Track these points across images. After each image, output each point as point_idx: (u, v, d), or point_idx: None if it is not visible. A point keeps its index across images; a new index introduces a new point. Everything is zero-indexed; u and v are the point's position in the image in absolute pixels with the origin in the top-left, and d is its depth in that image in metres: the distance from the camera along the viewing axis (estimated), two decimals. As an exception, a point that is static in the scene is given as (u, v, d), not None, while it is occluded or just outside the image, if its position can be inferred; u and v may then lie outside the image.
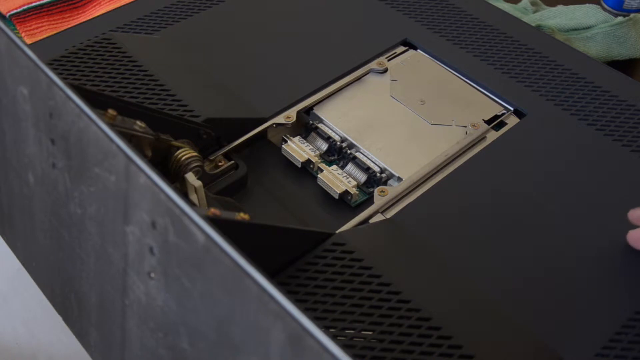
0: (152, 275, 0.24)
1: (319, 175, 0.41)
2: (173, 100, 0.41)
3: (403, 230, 0.37)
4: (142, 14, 0.51)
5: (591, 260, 0.37)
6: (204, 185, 0.36)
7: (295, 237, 0.34)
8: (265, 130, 0.43)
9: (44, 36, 0.57)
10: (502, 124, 0.45)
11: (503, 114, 0.45)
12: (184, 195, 0.33)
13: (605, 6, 0.66)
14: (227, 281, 0.21)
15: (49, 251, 0.32)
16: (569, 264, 0.36)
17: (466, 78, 0.47)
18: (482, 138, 0.43)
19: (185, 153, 0.37)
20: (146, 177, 0.23)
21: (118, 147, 0.24)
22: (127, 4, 0.52)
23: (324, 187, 0.40)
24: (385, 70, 0.47)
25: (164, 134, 0.36)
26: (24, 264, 0.36)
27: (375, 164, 0.41)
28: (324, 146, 0.43)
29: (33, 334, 0.41)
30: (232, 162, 0.41)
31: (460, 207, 0.39)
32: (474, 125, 0.44)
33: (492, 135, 0.43)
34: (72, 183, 0.27)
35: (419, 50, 0.49)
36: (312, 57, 0.48)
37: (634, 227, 0.38)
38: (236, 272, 0.20)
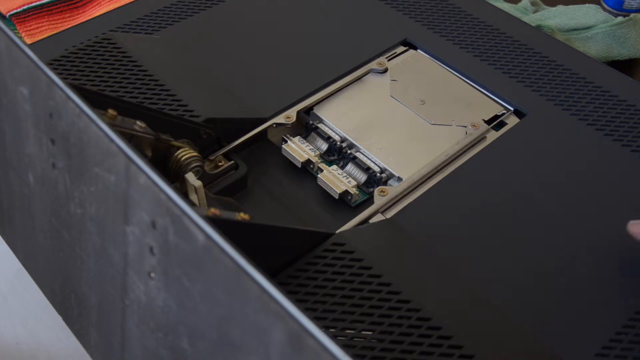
0: (152, 275, 0.24)
1: (319, 175, 0.41)
2: (173, 100, 0.41)
3: (403, 230, 0.37)
4: (142, 14, 0.51)
5: (591, 260, 0.37)
6: (204, 185, 0.36)
7: (295, 237, 0.34)
8: (265, 130, 0.43)
9: (44, 36, 0.57)
10: (502, 124, 0.45)
11: (503, 114, 0.45)
12: (184, 195, 0.33)
13: (605, 6, 0.66)
14: (227, 281, 0.21)
15: (49, 251, 0.32)
16: (569, 263, 0.36)
17: (466, 78, 0.47)
18: (482, 138, 0.43)
19: (185, 153, 0.37)
20: (146, 177, 0.23)
21: (118, 147, 0.24)
22: (127, 4, 0.52)
23: (324, 187, 0.40)
24: (385, 70, 0.47)
25: (164, 134, 0.36)
26: (24, 264, 0.36)
27: (375, 164, 0.41)
28: (324, 146, 0.43)
29: (33, 334, 0.41)
30: (232, 162, 0.41)
31: (461, 207, 0.39)
32: (474, 125, 0.44)
33: (492, 135, 0.43)
34: (72, 183, 0.27)
35: (419, 50, 0.49)
36: (312, 57, 0.48)
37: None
38: (236, 272, 0.20)
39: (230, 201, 0.38)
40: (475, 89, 0.46)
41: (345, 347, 0.21)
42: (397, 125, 0.44)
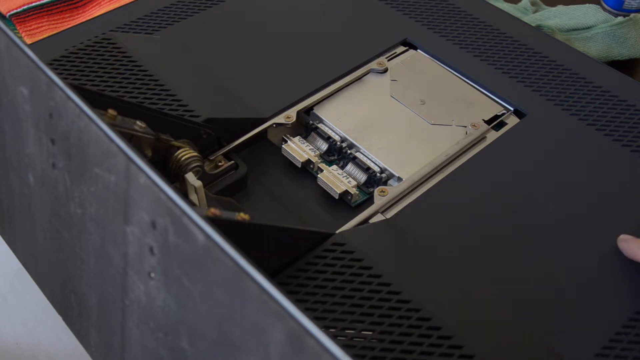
0: (152, 275, 0.24)
1: (319, 175, 0.41)
2: (173, 100, 0.41)
3: (403, 230, 0.37)
4: (142, 14, 0.51)
5: (591, 260, 0.37)
6: (204, 185, 0.36)
7: (295, 237, 0.34)
8: (265, 130, 0.43)
9: (44, 36, 0.57)
10: (502, 124, 0.45)
11: (503, 114, 0.45)
12: (184, 195, 0.33)
13: (605, 6, 0.66)
14: (227, 281, 0.21)
15: (49, 251, 0.32)
16: (569, 264, 0.36)
17: (466, 78, 0.47)
18: (482, 138, 0.43)
19: (185, 153, 0.37)
20: (146, 177, 0.23)
21: (118, 147, 0.24)
22: (127, 4, 0.52)
23: (324, 187, 0.40)
24: (385, 70, 0.47)
25: (164, 134, 0.36)
26: (24, 264, 0.36)
27: (376, 164, 0.41)
28: (324, 146, 0.43)
29: (33, 334, 0.41)
30: (232, 162, 0.41)
31: (460, 207, 0.39)
32: (474, 125, 0.44)
33: (492, 135, 0.43)
34: (72, 183, 0.27)
35: (419, 50, 0.49)
36: (312, 57, 0.48)
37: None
38: (236, 272, 0.20)
39: (230, 201, 0.38)
40: (475, 89, 0.46)
41: (345, 347, 0.21)
42: (397, 125, 0.44)
